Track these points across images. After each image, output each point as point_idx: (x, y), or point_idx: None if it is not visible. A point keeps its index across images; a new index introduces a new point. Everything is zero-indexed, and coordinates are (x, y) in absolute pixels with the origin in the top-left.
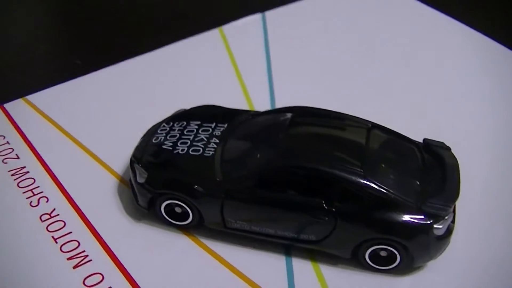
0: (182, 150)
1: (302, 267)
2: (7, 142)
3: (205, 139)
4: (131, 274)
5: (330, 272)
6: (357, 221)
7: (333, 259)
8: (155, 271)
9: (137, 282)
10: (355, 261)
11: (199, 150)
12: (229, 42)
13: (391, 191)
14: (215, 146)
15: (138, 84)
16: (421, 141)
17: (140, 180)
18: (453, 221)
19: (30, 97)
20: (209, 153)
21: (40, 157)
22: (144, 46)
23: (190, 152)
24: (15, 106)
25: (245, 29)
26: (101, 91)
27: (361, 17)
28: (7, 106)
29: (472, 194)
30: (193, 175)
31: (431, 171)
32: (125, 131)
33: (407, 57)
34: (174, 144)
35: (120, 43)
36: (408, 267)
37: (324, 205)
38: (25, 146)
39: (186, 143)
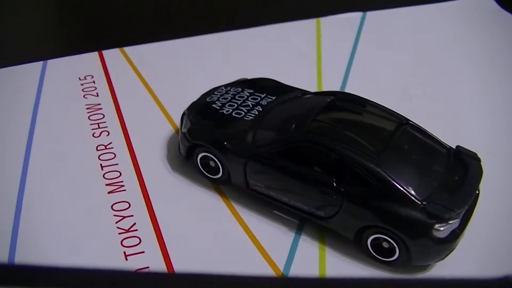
0: (227, 111)
1: (308, 244)
2: (93, 82)
3: (251, 106)
4: (154, 209)
5: (333, 258)
6: (362, 206)
7: (341, 246)
8: (175, 212)
9: (156, 216)
10: (359, 244)
11: (241, 113)
12: (321, 33)
13: (400, 184)
14: (257, 113)
15: (225, 56)
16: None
17: (184, 130)
18: (460, 228)
19: (126, 49)
20: (248, 118)
21: (116, 98)
22: (245, 23)
23: (233, 114)
24: (111, 54)
25: (341, 24)
26: (190, 55)
27: (461, 33)
28: (104, 52)
29: (491, 205)
30: (227, 133)
31: (452, 176)
32: (197, 93)
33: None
34: (223, 105)
35: (227, 14)
36: (406, 264)
37: (335, 183)
38: (106, 87)
39: (233, 106)
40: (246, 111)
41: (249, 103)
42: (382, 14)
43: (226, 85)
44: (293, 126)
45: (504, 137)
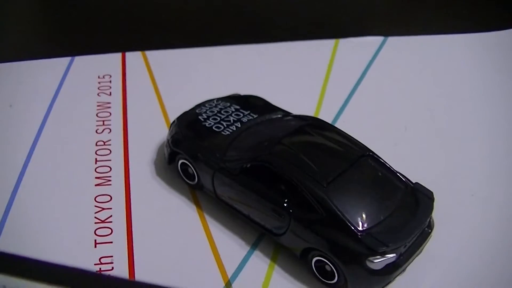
0: (209, 124)
1: (260, 258)
2: (110, 81)
3: (231, 122)
4: (132, 205)
5: (279, 276)
6: (306, 229)
7: (290, 267)
8: (150, 211)
9: (132, 212)
10: (305, 263)
11: (221, 128)
12: (336, 54)
13: (343, 213)
14: (234, 129)
15: (238, 68)
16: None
17: (168, 137)
18: (397, 263)
19: (147, 52)
20: (225, 133)
21: (125, 99)
22: (267, 37)
23: (213, 127)
24: (133, 56)
25: (359, 47)
26: (205, 65)
27: (481, 69)
28: (127, 54)
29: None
30: (202, 145)
31: (401, 211)
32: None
33: None
34: (208, 118)
35: (253, 28)
36: None
37: (285, 204)
38: (120, 88)
39: (216, 119)
40: (225, 126)
41: (231, 118)
42: (404, 41)
43: (218, 99)
44: (259, 146)
45: (491, 183)
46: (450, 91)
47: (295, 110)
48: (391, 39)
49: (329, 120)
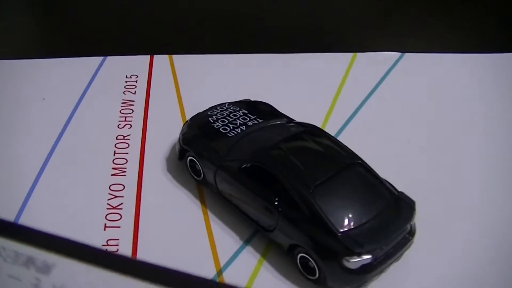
0: (217, 126)
1: (251, 253)
2: (136, 81)
3: (237, 125)
4: (142, 195)
5: (266, 271)
6: (291, 226)
7: (278, 264)
8: (157, 200)
9: (141, 200)
10: (291, 258)
11: (227, 130)
12: (352, 68)
13: (325, 213)
14: (239, 131)
15: (256, 75)
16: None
17: (180, 135)
18: (374, 264)
19: (174, 56)
20: (230, 134)
21: (148, 99)
22: (288, 47)
23: (220, 129)
24: (160, 59)
25: (374, 62)
26: (224, 70)
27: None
28: (155, 57)
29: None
30: (208, 144)
31: (383, 217)
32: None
33: None
34: (217, 120)
35: (276, 37)
36: (324, 285)
37: (276, 203)
38: (145, 88)
39: (224, 122)
40: (231, 128)
41: (238, 122)
42: (421, 57)
43: (229, 103)
44: (258, 148)
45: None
46: (459, 110)
47: (304, 120)
48: (408, 55)
49: (334, 130)
